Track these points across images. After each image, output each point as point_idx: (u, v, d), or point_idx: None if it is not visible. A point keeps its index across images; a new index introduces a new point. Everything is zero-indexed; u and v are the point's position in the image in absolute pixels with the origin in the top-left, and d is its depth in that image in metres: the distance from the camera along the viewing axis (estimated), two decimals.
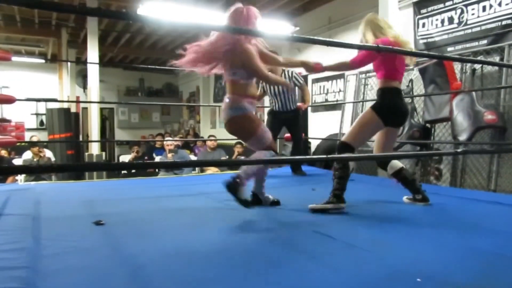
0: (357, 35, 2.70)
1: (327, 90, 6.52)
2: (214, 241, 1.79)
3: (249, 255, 1.61)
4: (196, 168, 6.55)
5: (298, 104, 4.11)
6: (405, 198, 2.64)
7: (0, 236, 1.80)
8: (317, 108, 6.58)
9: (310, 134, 4.91)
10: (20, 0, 1.03)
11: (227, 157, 7.02)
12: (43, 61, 10.60)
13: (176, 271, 1.43)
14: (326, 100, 6.47)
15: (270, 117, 4.20)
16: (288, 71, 4.04)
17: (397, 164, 2.58)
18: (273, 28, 6.10)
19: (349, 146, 2.45)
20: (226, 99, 2.37)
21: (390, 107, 2.47)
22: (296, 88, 4.07)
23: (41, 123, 11.14)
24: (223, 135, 4.03)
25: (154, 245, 1.73)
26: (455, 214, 2.35)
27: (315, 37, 1.60)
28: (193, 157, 7.35)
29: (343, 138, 2.53)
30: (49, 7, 1.01)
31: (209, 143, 7.10)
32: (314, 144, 5.92)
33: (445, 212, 2.41)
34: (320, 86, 6.63)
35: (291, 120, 4.11)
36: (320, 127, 6.11)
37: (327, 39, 1.52)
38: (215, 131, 9.82)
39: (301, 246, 1.73)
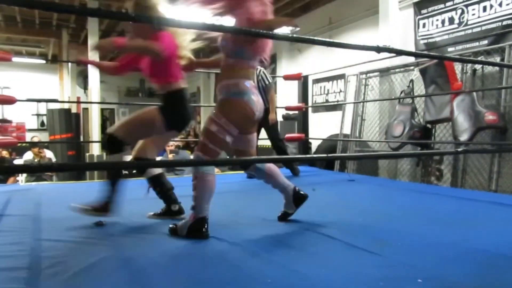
0: (357, 35, 2.68)
1: (328, 90, 6.52)
2: (213, 242, 1.79)
3: (247, 256, 1.61)
4: None
5: (270, 117, 3.81)
6: (150, 214, 2.26)
7: (1, 237, 1.81)
8: (318, 108, 6.59)
9: (310, 135, 4.91)
10: (20, 0, 1.03)
11: (228, 157, 7.01)
12: (43, 61, 10.63)
13: (175, 273, 1.43)
14: (327, 101, 6.47)
15: None
16: (257, 68, 3.80)
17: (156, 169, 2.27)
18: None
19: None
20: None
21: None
22: (263, 88, 3.74)
23: (42, 123, 11.16)
24: None
25: (154, 246, 1.73)
26: (456, 215, 2.35)
27: (315, 37, 1.60)
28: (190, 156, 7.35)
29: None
30: (50, 8, 1.01)
31: None
32: (314, 144, 5.92)
33: (445, 213, 2.41)
34: (320, 87, 6.63)
35: (262, 120, 3.77)
36: (321, 127, 6.12)
37: (327, 40, 1.52)
38: None
39: (300, 246, 1.73)
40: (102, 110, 9.75)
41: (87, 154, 7.64)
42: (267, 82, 3.82)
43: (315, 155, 4.87)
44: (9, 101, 3.31)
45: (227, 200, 2.73)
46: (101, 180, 5.84)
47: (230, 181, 3.84)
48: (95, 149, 7.55)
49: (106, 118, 12.45)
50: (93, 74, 7.14)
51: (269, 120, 3.85)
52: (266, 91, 3.81)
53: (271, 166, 2.10)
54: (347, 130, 5.06)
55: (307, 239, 1.85)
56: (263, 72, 3.84)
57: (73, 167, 1.75)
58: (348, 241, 1.76)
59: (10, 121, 9.96)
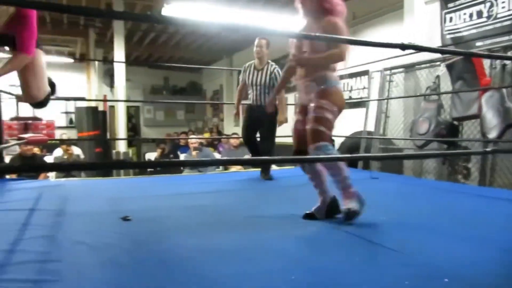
0: (382, 30, 2.65)
1: (351, 87, 6.46)
2: (235, 238, 1.81)
3: (269, 253, 1.62)
4: (220, 166, 6.60)
5: (280, 118, 3.81)
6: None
7: (34, 231, 1.88)
8: None
9: (333, 132, 4.87)
10: (52, 6, 1.08)
11: (251, 154, 7.04)
12: (72, 60, 10.90)
13: (197, 268, 1.46)
14: (350, 98, 6.41)
15: (245, 114, 3.94)
16: (271, 64, 3.82)
17: None
18: (293, 26, 6.07)
19: None
20: None
21: None
22: (273, 86, 3.71)
23: (71, 121, 11.47)
24: None
25: (177, 241, 1.77)
26: (484, 214, 2.30)
27: (336, 36, 1.59)
28: (217, 155, 7.42)
29: None
30: (79, 12, 1.05)
31: (232, 140, 7.14)
32: (338, 142, 5.87)
33: (472, 212, 2.36)
34: (344, 83, 6.57)
35: (264, 117, 3.62)
36: (344, 124, 6.05)
37: (350, 38, 1.51)
38: (238, 129, 9.85)
39: (325, 245, 1.73)
40: (128, 107, 9.93)
41: (114, 151, 7.82)
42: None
43: (337, 155, 4.83)
44: None
45: (245, 196, 2.76)
46: (127, 176, 5.97)
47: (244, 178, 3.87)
48: (121, 146, 7.72)
49: (132, 116, 12.69)
50: (119, 72, 7.29)
51: (278, 122, 3.82)
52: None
53: (322, 166, 2.14)
54: (371, 127, 4.99)
55: (331, 236, 1.86)
56: (278, 70, 3.77)
57: (102, 165, 1.81)
58: (372, 239, 1.75)
59: (40, 119, 10.27)
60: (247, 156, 6.75)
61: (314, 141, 2.03)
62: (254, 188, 3.43)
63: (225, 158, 6.21)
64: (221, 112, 11.70)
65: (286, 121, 3.91)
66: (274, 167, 4.94)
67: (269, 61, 3.86)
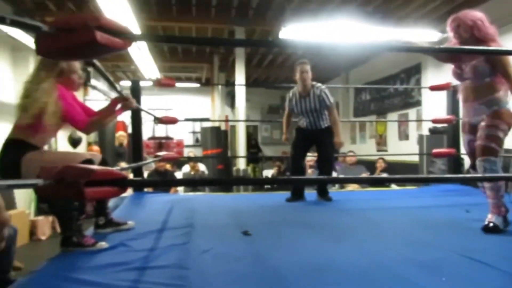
0: None
1: None
2: (355, 258, 1.76)
3: (390, 275, 1.54)
4: (336, 184, 6.50)
5: (335, 142, 3.58)
6: None
7: (167, 239, 2.10)
8: None
9: (462, 150, 4.44)
10: (185, 39, 1.22)
11: (368, 173, 6.80)
12: (198, 85, 11.99)
13: (314, 285, 1.46)
14: None
15: (297, 134, 3.75)
16: (317, 86, 3.58)
17: None
18: (417, 37, 5.76)
19: None
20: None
21: None
22: (325, 107, 3.55)
23: (197, 140, 12.52)
24: (363, 150, 3.94)
25: (296, 257, 1.80)
26: None
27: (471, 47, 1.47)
28: (333, 173, 7.33)
29: None
30: (208, 43, 1.17)
31: (348, 158, 7.00)
32: (467, 161, 5.33)
33: None
34: None
35: (320, 137, 3.59)
36: None
37: (477, 47, 1.40)
38: (354, 146, 9.63)
39: (450, 272, 1.59)
40: (247, 126, 10.47)
41: (234, 168, 8.28)
42: (328, 102, 3.54)
43: (466, 175, 4.38)
44: (173, 121, 3.84)
45: (364, 215, 2.67)
46: (246, 192, 6.25)
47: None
48: (241, 163, 8.14)
49: (250, 134, 13.32)
50: (240, 94, 7.76)
51: (335, 144, 3.61)
52: (329, 111, 3.57)
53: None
54: (508, 144, 4.42)
55: (460, 265, 1.69)
56: (324, 90, 3.56)
57: (226, 181, 1.95)
58: (507, 270, 1.55)
59: (172, 138, 11.45)
60: (364, 175, 6.54)
61: (484, 155, 2.23)
62: (375, 208, 3.29)
63: (341, 176, 6.11)
64: None
65: (342, 144, 3.70)
66: (394, 186, 4.69)
67: (313, 83, 3.62)
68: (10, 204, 5.63)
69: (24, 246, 5.17)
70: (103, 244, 1.95)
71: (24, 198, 5.86)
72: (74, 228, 1.93)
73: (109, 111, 2.16)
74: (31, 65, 5.88)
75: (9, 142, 2.00)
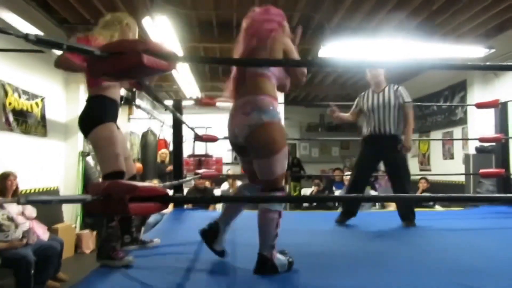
0: None
1: None
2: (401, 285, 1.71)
3: None
4: (377, 204, 6.33)
5: (404, 146, 3.24)
6: None
7: (206, 258, 2.13)
8: None
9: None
10: (225, 61, 1.26)
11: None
12: None
13: None
14: None
15: (362, 146, 3.39)
16: (394, 85, 3.34)
17: None
18: (462, 53, 5.59)
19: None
20: (255, 98, 1.88)
21: None
22: (398, 107, 3.24)
23: (235, 158, 12.64)
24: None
25: (336, 281, 1.76)
26: None
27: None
28: (373, 192, 7.15)
29: None
30: (248, 64, 1.20)
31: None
32: None
33: None
34: None
35: (388, 150, 3.22)
36: None
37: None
38: None
39: None
40: None
41: None
42: (406, 98, 3.28)
43: None
44: (213, 139, 3.92)
45: (402, 237, 2.58)
46: (284, 210, 6.20)
47: None
48: None
49: (289, 152, 13.28)
50: (282, 112, 7.81)
51: (403, 149, 3.25)
52: (405, 109, 3.27)
53: None
54: None
55: None
56: (404, 89, 3.33)
57: (262, 199, 1.97)
58: None
59: (211, 156, 11.63)
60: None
61: None
62: (418, 230, 3.17)
63: (382, 195, 5.95)
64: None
65: (410, 149, 3.30)
66: (438, 207, 4.51)
67: (390, 83, 3.41)
68: (58, 217, 5.91)
69: (69, 258, 5.38)
70: (129, 259, 1.98)
71: (70, 212, 6.13)
72: (108, 239, 2.00)
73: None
74: (82, 86, 6.22)
75: None
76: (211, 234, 2.07)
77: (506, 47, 5.81)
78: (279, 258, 1.87)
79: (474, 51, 5.52)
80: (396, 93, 3.28)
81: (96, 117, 2.11)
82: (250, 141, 1.83)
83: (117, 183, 1.12)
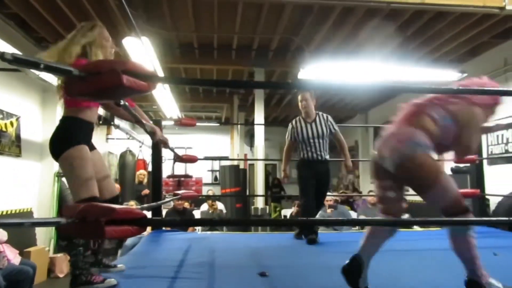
0: None
1: (507, 139, 5.72)
2: None
3: None
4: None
5: (346, 165, 3.76)
6: None
7: (183, 280, 2.08)
8: (496, 160, 5.79)
9: (487, 190, 4.32)
10: (205, 82, 1.27)
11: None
12: (218, 124, 12.18)
13: None
14: (506, 151, 5.66)
15: (300, 168, 3.66)
16: (322, 114, 3.67)
17: None
18: (436, 77, 5.78)
19: None
20: (405, 130, 1.87)
21: None
22: (328, 135, 3.63)
23: (216, 178, 12.56)
24: None
25: None
26: None
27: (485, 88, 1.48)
28: (353, 213, 7.19)
29: None
30: (228, 85, 1.21)
31: (369, 198, 6.87)
32: (493, 201, 5.16)
33: None
34: (498, 136, 5.87)
35: (322, 171, 3.62)
36: (500, 182, 5.33)
37: (498, 89, 1.40)
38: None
39: None
40: (266, 165, 10.48)
41: (252, 207, 8.22)
42: (336, 127, 3.69)
43: (492, 218, 4.23)
44: (193, 160, 3.89)
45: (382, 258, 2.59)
46: (264, 232, 6.17)
47: None
48: (259, 202, 8.08)
49: (269, 173, 13.28)
50: (259, 133, 7.83)
51: (346, 168, 3.76)
52: (337, 136, 3.70)
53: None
54: None
55: None
56: (331, 118, 3.71)
57: (244, 221, 1.95)
58: None
59: (191, 176, 11.51)
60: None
61: None
62: (396, 250, 3.19)
63: (361, 218, 5.98)
64: (357, 169, 11.43)
65: (351, 167, 3.78)
66: (416, 227, 4.54)
67: (318, 112, 3.70)
68: (31, 240, 5.70)
69: (42, 283, 5.17)
70: (111, 281, 1.93)
71: (44, 235, 5.93)
72: (81, 266, 1.93)
73: (132, 115, 2.09)
74: (58, 105, 6.12)
75: None
76: (354, 271, 1.87)
77: (477, 71, 6.04)
78: (491, 283, 1.76)
79: (447, 75, 5.72)
80: (327, 123, 3.63)
81: (67, 139, 2.01)
82: (403, 171, 1.81)
83: (93, 205, 1.09)
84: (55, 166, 6.14)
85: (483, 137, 5.42)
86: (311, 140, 3.58)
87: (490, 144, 5.96)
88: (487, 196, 4.37)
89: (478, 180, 4.22)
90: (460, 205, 1.77)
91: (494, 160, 5.79)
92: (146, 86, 1.19)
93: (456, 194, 1.78)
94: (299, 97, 3.69)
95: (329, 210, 5.88)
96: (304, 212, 3.62)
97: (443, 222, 2.10)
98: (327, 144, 3.66)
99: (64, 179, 6.26)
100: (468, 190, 4.23)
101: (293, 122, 3.73)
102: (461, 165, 5.45)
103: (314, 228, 3.47)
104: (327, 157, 3.65)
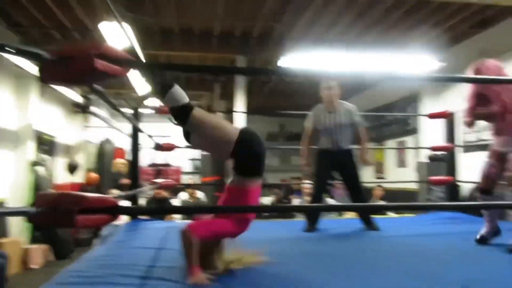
0: None
1: (480, 128, 5.86)
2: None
3: None
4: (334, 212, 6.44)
5: (362, 159, 3.59)
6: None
7: (161, 269, 2.07)
8: (469, 148, 5.94)
9: (461, 177, 4.44)
10: (185, 67, 1.24)
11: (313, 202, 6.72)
12: None
13: None
14: (480, 139, 5.81)
15: (319, 158, 3.56)
16: (347, 104, 3.56)
17: None
18: (416, 65, 5.85)
19: None
20: None
21: None
22: (350, 125, 3.49)
23: (196, 167, 12.50)
24: (362, 177, 3.90)
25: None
26: None
27: (459, 75, 1.50)
28: (331, 201, 7.28)
29: None
30: (208, 71, 1.19)
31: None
32: (467, 188, 5.31)
33: None
34: None
35: (344, 162, 3.48)
36: (473, 169, 5.47)
37: (461, 76, 1.42)
38: None
39: None
40: None
41: None
42: (359, 119, 3.55)
43: (464, 203, 4.35)
44: (170, 148, 3.86)
45: (359, 242, 2.63)
46: None
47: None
48: None
49: None
50: (239, 121, 7.81)
51: (362, 162, 3.62)
52: (359, 129, 3.54)
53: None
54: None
55: None
56: (356, 109, 3.56)
57: (216, 209, 1.94)
58: None
59: (170, 165, 11.42)
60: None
61: None
62: (372, 236, 3.25)
63: (339, 204, 6.06)
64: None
65: (369, 162, 3.75)
66: (391, 214, 4.64)
67: (342, 101, 3.59)
68: (4, 231, 5.56)
69: (17, 275, 5.08)
70: None
71: (18, 226, 5.80)
72: None
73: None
74: (32, 92, 5.95)
75: None
76: None
77: (456, 60, 6.15)
78: None
79: (427, 64, 5.80)
80: (349, 114, 3.49)
81: None
82: None
83: (65, 194, 1.06)
84: (29, 154, 5.99)
85: (459, 125, 5.53)
86: (332, 130, 3.45)
87: (464, 132, 6.10)
88: (458, 183, 4.48)
89: (452, 168, 4.32)
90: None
91: (468, 147, 5.94)
92: (120, 70, 1.17)
93: None
94: (324, 85, 3.49)
95: (307, 198, 5.92)
96: (313, 200, 3.59)
97: (417, 207, 2.15)
98: (349, 134, 3.51)
99: (39, 168, 6.11)
100: (442, 177, 4.34)
101: (314, 109, 3.61)
102: (439, 152, 5.57)
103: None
104: (350, 147, 3.51)
